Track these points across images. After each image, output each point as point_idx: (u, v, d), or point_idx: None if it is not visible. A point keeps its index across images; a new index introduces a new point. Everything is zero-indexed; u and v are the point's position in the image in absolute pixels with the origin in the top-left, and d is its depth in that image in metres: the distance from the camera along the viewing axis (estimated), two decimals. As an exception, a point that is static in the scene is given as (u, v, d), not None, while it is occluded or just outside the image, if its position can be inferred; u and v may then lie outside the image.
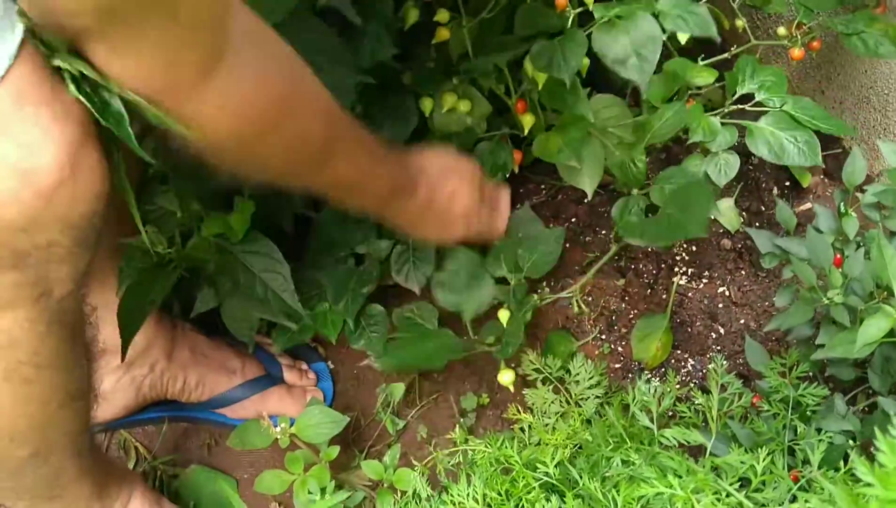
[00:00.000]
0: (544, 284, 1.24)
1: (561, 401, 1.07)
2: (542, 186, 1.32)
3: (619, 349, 1.20)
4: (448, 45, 1.10)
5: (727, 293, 1.23)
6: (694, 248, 1.27)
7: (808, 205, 1.29)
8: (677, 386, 1.04)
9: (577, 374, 1.08)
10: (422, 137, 1.14)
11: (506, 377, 1.06)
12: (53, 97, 0.57)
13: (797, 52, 1.14)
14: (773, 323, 0.97)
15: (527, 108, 1.10)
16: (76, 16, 0.56)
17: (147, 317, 0.99)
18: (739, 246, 1.26)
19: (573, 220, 1.30)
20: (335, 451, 1.03)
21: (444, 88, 1.12)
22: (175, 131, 0.63)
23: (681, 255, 1.26)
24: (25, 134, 0.55)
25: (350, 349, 1.19)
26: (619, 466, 0.82)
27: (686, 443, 0.83)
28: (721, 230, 1.27)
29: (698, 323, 1.21)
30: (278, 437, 1.01)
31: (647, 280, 1.25)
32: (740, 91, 1.11)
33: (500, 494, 0.80)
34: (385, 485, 1.06)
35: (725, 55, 1.17)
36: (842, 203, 1.00)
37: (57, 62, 0.57)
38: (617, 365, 1.19)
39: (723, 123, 1.10)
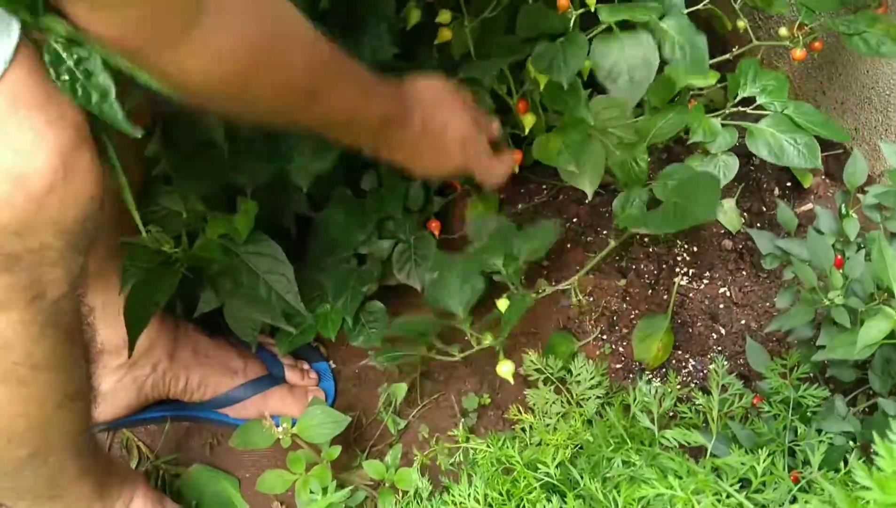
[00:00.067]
0: (543, 280, 1.24)
1: (562, 401, 1.07)
2: (544, 186, 1.33)
3: (621, 349, 1.20)
4: (450, 45, 1.10)
5: (728, 294, 1.23)
6: (695, 248, 1.27)
7: (810, 206, 1.29)
8: (678, 387, 1.05)
9: (579, 374, 1.09)
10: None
11: (504, 367, 1.04)
12: (48, 101, 0.57)
13: (799, 53, 1.14)
14: (774, 324, 0.97)
15: (528, 108, 1.10)
16: None
17: (152, 317, 0.99)
18: (740, 247, 1.27)
19: (574, 220, 1.30)
20: (337, 451, 1.03)
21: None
22: (161, 89, 0.63)
23: (682, 255, 1.26)
24: (20, 139, 0.55)
25: (352, 348, 1.19)
26: (619, 467, 0.82)
27: (687, 444, 0.84)
28: (722, 231, 1.27)
29: (699, 324, 1.21)
30: (280, 437, 1.01)
31: (648, 281, 1.25)
32: (742, 94, 1.11)
33: (501, 494, 0.80)
34: (387, 485, 1.06)
35: (727, 56, 1.17)
36: (843, 204, 1.00)
37: (40, 28, 0.56)
38: (618, 366, 1.19)
39: (723, 125, 1.10)
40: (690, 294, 1.23)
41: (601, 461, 0.85)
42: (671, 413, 0.99)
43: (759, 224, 1.28)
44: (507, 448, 0.84)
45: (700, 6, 1.07)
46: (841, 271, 0.90)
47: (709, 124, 1.09)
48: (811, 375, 0.97)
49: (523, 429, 1.04)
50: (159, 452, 1.14)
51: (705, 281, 1.24)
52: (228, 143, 0.99)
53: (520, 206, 1.31)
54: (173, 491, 1.11)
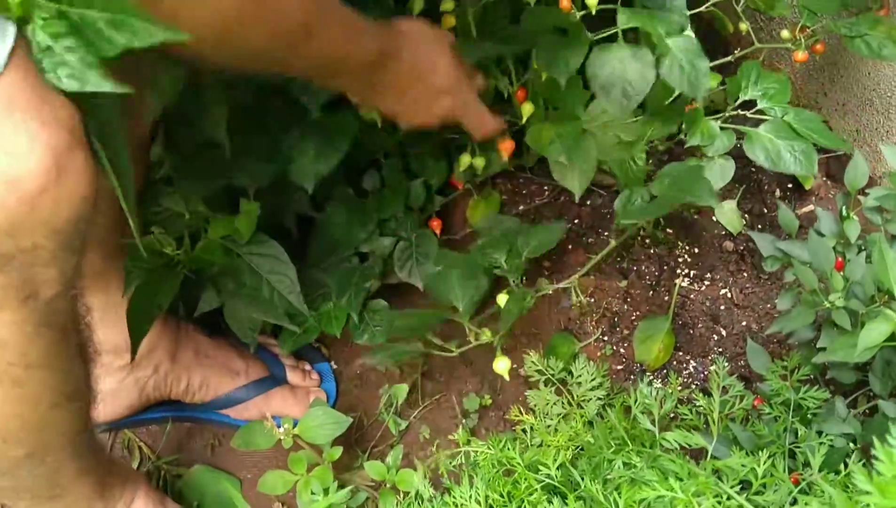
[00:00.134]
0: (544, 280, 1.24)
1: (563, 403, 1.07)
2: (545, 187, 1.33)
3: (622, 350, 1.20)
4: (454, 32, 1.10)
5: (729, 296, 1.24)
6: (696, 250, 1.27)
7: (811, 207, 1.29)
8: (679, 388, 1.05)
9: (580, 376, 1.09)
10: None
11: (500, 364, 1.03)
12: (42, 102, 0.57)
13: (800, 55, 1.14)
14: (775, 326, 0.97)
15: (527, 96, 1.10)
16: None
17: (155, 318, 1.00)
18: (741, 248, 1.27)
19: (576, 221, 1.30)
20: (338, 452, 1.03)
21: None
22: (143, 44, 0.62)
23: (683, 257, 1.26)
24: (14, 142, 0.55)
25: (353, 349, 1.19)
26: (620, 468, 0.82)
27: (687, 446, 0.84)
28: (723, 233, 1.27)
29: (700, 325, 1.21)
30: (281, 438, 1.02)
31: (649, 282, 1.25)
32: (742, 97, 1.10)
33: (501, 496, 0.80)
34: (388, 486, 1.06)
35: (729, 58, 1.17)
36: (844, 206, 1.00)
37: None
38: (619, 367, 1.19)
39: (722, 128, 1.10)
40: (691, 296, 1.24)
41: (602, 462, 0.85)
42: (672, 415, 0.99)
43: (760, 226, 1.28)
44: (508, 449, 0.84)
45: (702, 8, 1.07)
46: (842, 273, 0.90)
47: (707, 127, 1.09)
48: (812, 377, 0.97)
49: (524, 430, 1.04)
50: (161, 452, 1.15)
51: (706, 283, 1.25)
52: (230, 143, 0.99)
53: (521, 207, 1.31)
54: (175, 492, 1.11)
